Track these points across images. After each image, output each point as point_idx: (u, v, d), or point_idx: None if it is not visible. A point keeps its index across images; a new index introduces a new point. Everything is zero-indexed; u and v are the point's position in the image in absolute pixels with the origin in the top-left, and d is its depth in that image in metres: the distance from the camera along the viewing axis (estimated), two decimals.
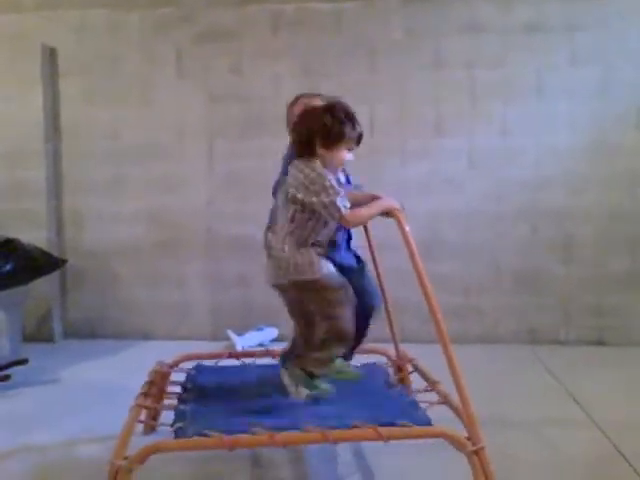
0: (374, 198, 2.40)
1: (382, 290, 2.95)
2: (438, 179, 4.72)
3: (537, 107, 4.62)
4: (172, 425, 2.25)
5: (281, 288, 2.45)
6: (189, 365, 3.07)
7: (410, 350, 3.07)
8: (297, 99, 2.91)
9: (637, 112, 4.56)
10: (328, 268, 2.37)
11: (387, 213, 2.37)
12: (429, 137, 4.71)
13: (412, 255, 2.26)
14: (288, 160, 2.64)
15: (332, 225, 2.39)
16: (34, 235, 4.57)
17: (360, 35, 4.70)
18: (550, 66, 4.59)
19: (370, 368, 2.99)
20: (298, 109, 2.72)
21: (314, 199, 2.27)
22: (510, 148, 4.65)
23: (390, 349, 3.12)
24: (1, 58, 4.81)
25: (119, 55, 4.85)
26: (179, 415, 2.39)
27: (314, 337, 2.41)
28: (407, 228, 2.30)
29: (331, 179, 2.28)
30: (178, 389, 2.80)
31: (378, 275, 2.95)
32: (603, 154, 4.59)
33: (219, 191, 4.87)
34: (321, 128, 2.31)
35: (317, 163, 2.31)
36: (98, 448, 2.80)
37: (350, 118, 2.34)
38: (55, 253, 4.62)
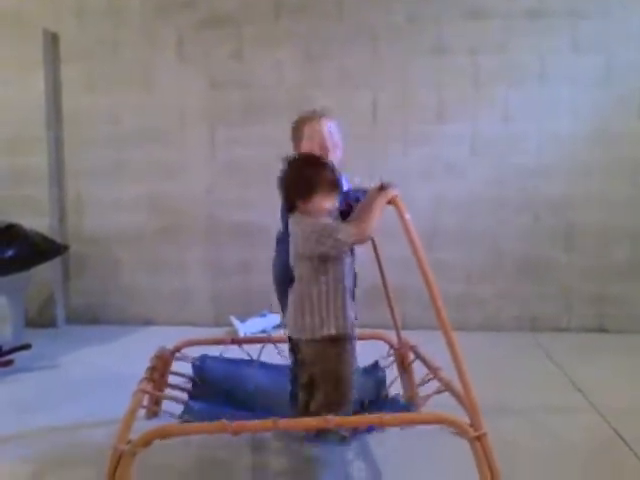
0: (370, 200, 2.37)
1: (383, 277, 2.95)
2: (440, 165, 4.71)
3: (540, 94, 4.60)
4: (180, 417, 2.27)
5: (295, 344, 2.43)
6: (191, 350, 3.06)
7: (411, 337, 3.07)
8: (299, 122, 2.82)
9: None
10: (339, 322, 2.32)
11: (388, 201, 2.36)
12: (431, 123, 4.69)
13: (412, 242, 2.25)
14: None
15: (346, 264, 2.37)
16: (36, 221, 4.58)
17: (362, 21, 4.67)
18: (553, 52, 4.56)
19: (367, 372, 2.98)
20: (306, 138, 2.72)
21: (319, 247, 2.24)
22: (512, 135, 4.64)
23: (391, 335, 3.13)
24: (3, 43, 4.78)
25: (120, 40, 4.83)
26: (187, 409, 2.41)
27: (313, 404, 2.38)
28: (407, 215, 2.30)
29: (322, 221, 2.26)
30: (180, 375, 2.82)
31: (379, 263, 2.95)
32: (605, 142, 4.57)
33: (220, 177, 4.86)
34: (292, 184, 2.32)
35: (306, 217, 2.29)
36: (100, 433, 2.81)
37: (315, 165, 2.33)
38: (57, 239, 4.63)
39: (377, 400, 2.74)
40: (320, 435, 2.25)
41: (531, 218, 4.69)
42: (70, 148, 4.95)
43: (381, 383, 2.93)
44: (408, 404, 2.60)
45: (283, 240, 2.57)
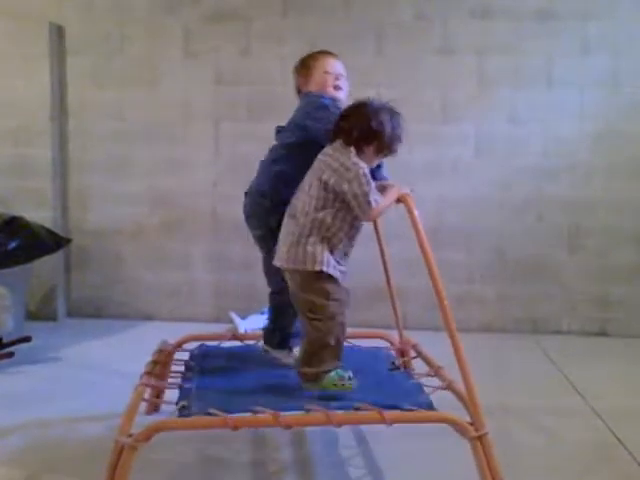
0: (384, 187, 2.40)
1: (387, 276, 2.95)
2: (444, 165, 4.70)
3: (546, 95, 4.59)
4: (177, 403, 2.26)
5: (287, 273, 2.43)
6: (193, 346, 3.07)
7: (413, 337, 3.07)
8: (314, 56, 2.80)
9: None
10: (335, 268, 2.33)
11: (398, 199, 2.37)
12: (436, 123, 4.68)
13: (421, 241, 2.25)
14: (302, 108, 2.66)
15: (357, 229, 2.37)
16: (39, 214, 4.57)
17: (369, 19, 4.66)
18: (560, 54, 4.55)
19: (373, 352, 3.00)
20: (320, 69, 2.70)
21: (345, 186, 2.25)
22: (518, 136, 4.63)
23: (393, 335, 3.13)
24: (9, 36, 4.77)
25: (126, 35, 4.82)
26: (183, 393, 2.40)
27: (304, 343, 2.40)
28: (416, 213, 2.30)
29: (366, 169, 2.27)
30: (182, 369, 2.81)
31: (384, 262, 2.95)
32: (611, 144, 4.56)
33: (225, 173, 4.86)
34: (361, 120, 2.32)
35: (353, 152, 2.30)
36: (100, 426, 2.81)
37: (393, 124, 2.39)
38: (60, 232, 4.62)
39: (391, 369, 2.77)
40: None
41: (535, 219, 4.68)
42: (74, 141, 4.94)
43: (389, 355, 2.98)
44: (416, 384, 2.55)
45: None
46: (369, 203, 2.24)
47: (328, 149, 2.37)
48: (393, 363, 2.87)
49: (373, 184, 2.29)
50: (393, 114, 2.42)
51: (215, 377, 2.62)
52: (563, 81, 4.57)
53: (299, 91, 2.81)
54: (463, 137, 4.67)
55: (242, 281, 4.84)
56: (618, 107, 4.55)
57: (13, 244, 4.00)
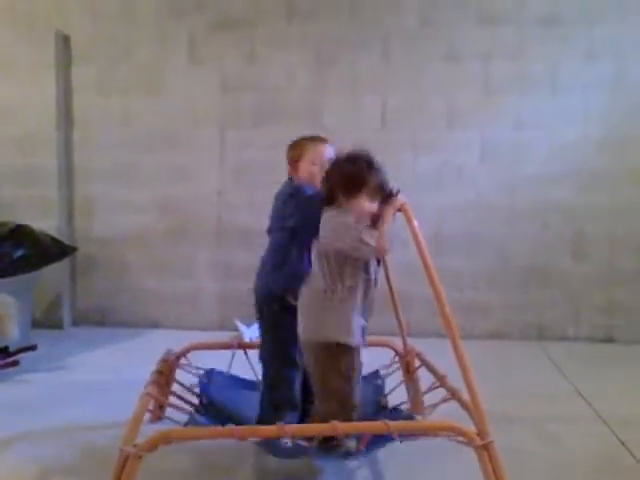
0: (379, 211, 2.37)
1: (389, 283, 2.94)
2: (449, 172, 4.70)
3: (551, 101, 4.59)
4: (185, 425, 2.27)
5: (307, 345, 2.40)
6: (197, 354, 3.07)
7: (417, 344, 3.06)
8: (301, 144, 2.71)
9: None
10: (354, 333, 2.31)
11: (398, 209, 2.36)
12: (441, 129, 4.68)
13: (420, 249, 2.25)
14: (280, 196, 2.65)
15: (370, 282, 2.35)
16: (45, 222, 4.60)
17: (374, 25, 4.67)
18: (565, 60, 4.55)
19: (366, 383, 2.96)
20: (309, 157, 2.64)
21: (339, 244, 2.24)
22: (523, 142, 4.62)
23: (397, 342, 3.12)
24: (15, 45, 4.81)
25: (132, 42, 4.84)
26: (192, 421, 2.42)
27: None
28: (415, 222, 2.30)
29: (348, 220, 2.25)
30: (185, 379, 2.82)
31: (386, 269, 2.94)
32: (616, 149, 4.55)
33: (230, 180, 4.87)
34: (342, 177, 2.30)
35: (337, 211, 2.29)
36: (105, 435, 2.82)
37: (372, 167, 2.32)
38: (65, 240, 4.64)
39: (377, 410, 2.73)
40: (326, 448, 2.23)
41: (540, 226, 4.67)
42: (80, 149, 4.96)
43: (378, 391, 2.92)
44: (410, 414, 2.58)
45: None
46: (366, 243, 2.22)
47: (324, 215, 2.34)
48: (379, 401, 2.85)
49: (365, 228, 2.26)
50: (350, 156, 2.36)
51: (220, 410, 2.64)
52: (568, 87, 4.56)
53: (290, 178, 2.75)
54: (468, 143, 4.67)
55: (247, 289, 4.83)
56: (623, 112, 4.54)
57: (19, 252, 4.02)
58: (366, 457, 2.64)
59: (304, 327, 2.36)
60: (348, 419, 2.24)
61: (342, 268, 2.28)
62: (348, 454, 2.27)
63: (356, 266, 2.29)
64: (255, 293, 2.74)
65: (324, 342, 2.29)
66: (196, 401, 2.72)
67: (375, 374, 3.03)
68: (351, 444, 2.23)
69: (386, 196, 2.36)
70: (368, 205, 2.30)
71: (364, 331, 2.37)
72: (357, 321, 2.32)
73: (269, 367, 2.64)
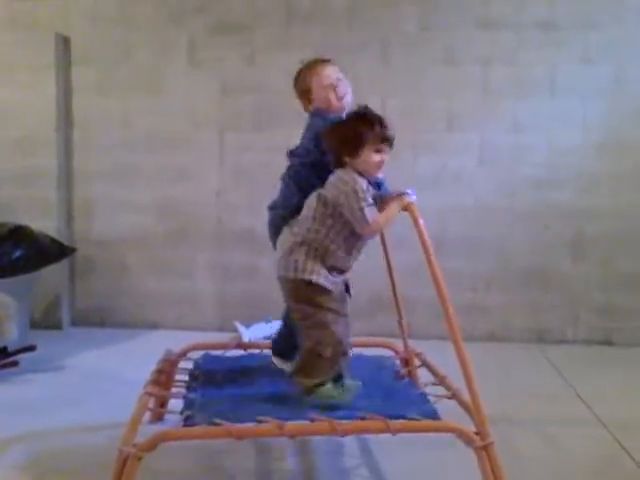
0: (386, 201, 2.39)
1: (392, 284, 2.95)
2: (448, 174, 4.70)
3: (549, 104, 4.59)
4: (181, 413, 2.26)
5: (281, 282, 2.43)
6: (197, 355, 3.07)
7: (418, 346, 3.07)
8: (307, 70, 2.75)
9: None
10: (327, 279, 2.33)
11: (404, 208, 2.37)
12: (440, 132, 4.69)
13: (426, 249, 2.25)
14: (287, 179, 2.68)
15: (354, 243, 2.37)
16: (44, 223, 4.59)
17: (373, 29, 4.68)
18: (563, 64, 4.56)
19: (378, 360, 2.99)
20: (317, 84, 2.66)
21: (342, 198, 2.26)
22: (521, 145, 4.63)
23: (398, 344, 3.12)
24: (15, 46, 4.80)
25: (132, 45, 4.84)
26: (188, 403, 2.40)
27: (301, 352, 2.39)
28: (421, 221, 2.30)
29: (363, 184, 2.27)
30: (186, 378, 2.81)
31: (390, 270, 2.95)
32: (615, 152, 4.56)
33: (230, 182, 4.87)
34: (339, 139, 2.33)
35: (351, 170, 2.31)
36: (104, 435, 2.80)
37: (367, 119, 2.33)
38: (65, 241, 4.64)
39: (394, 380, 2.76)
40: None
41: (539, 228, 4.68)
42: (79, 151, 4.97)
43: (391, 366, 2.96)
44: (421, 394, 2.56)
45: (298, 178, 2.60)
46: (365, 217, 2.24)
47: (334, 176, 2.37)
48: (397, 372, 2.87)
49: (370, 200, 2.29)
50: (344, 117, 2.43)
51: (219, 387, 2.62)
52: (566, 90, 4.57)
53: (305, 108, 2.78)
54: (467, 146, 4.68)
55: (246, 290, 4.85)
56: (621, 116, 4.55)
57: (18, 253, 4.01)
58: (364, 456, 2.65)
59: (281, 264, 2.38)
60: (335, 353, 2.30)
61: (335, 220, 2.30)
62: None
63: (346, 226, 2.31)
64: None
65: (300, 279, 2.30)
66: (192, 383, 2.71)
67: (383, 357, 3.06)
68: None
69: (399, 194, 2.37)
70: (375, 156, 2.31)
71: (347, 285, 2.41)
72: (334, 273, 2.34)
73: None
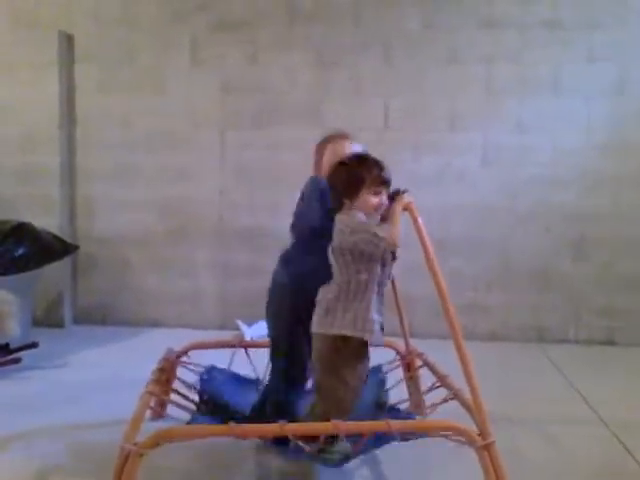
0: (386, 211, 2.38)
1: (392, 284, 2.94)
2: (451, 174, 4.70)
3: (553, 104, 4.59)
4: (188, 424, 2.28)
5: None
6: (198, 353, 3.07)
7: (418, 345, 3.06)
8: (326, 141, 2.75)
9: None
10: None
11: (403, 208, 2.37)
12: (443, 132, 4.69)
13: (426, 248, 2.25)
14: (305, 195, 2.64)
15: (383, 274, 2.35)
16: (46, 220, 4.60)
17: (376, 28, 4.68)
18: (567, 63, 4.56)
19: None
20: (328, 156, 2.66)
21: (354, 238, 2.24)
22: (525, 145, 4.63)
23: (399, 343, 3.12)
24: (19, 44, 4.81)
25: (135, 43, 4.85)
26: (193, 420, 2.42)
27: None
28: (420, 220, 2.30)
29: (361, 217, 2.27)
30: (186, 379, 2.82)
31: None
32: (618, 153, 4.56)
33: (231, 181, 4.87)
34: (339, 182, 2.33)
35: (347, 211, 2.31)
36: (106, 432, 2.80)
37: (366, 163, 2.33)
38: (67, 239, 4.64)
39: (376, 409, 2.73)
40: (322, 451, 2.22)
41: (541, 228, 4.67)
42: (82, 149, 4.97)
43: (380, 385, 2.92)
44: (409, 413, 2.59)
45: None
46: (377, 236, 2.22)
47: (336, 222, 2.35)
48: (379, 397, 2.85)
49: (376, 220, 2.30)
50: (343, 160, 2.40)
51: (220, 408, 2.63)
52: (570, 91, 4.57)
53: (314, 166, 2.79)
54: (470, 146, 4.67)
55: (247, 288, 4.84)
56: (625, 116, 4.55)
57: (20, 250, 4.02)
58: (365, 456, 2.65)
59: (318, 320, 2.35)
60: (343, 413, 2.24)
61: (358, 263, 2.28)
62: (344, 459, 2.25)
63: (371, 260, 2.29)
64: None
65: (337, 335, 2.28)
66: (197, 398, 2.72)
67: (378, 369, 3.02)
68: (345, 447, 2.23)
69: (393, 195, 2.37)
70: (373, 199, 2.31)
71: (381, 327, 2.35)
72: (374, 316, 2.30)
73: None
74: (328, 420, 2.12)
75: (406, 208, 2.35)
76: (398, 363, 3.10)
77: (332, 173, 2.40)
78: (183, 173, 4.91)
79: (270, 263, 2.73)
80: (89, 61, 4.90)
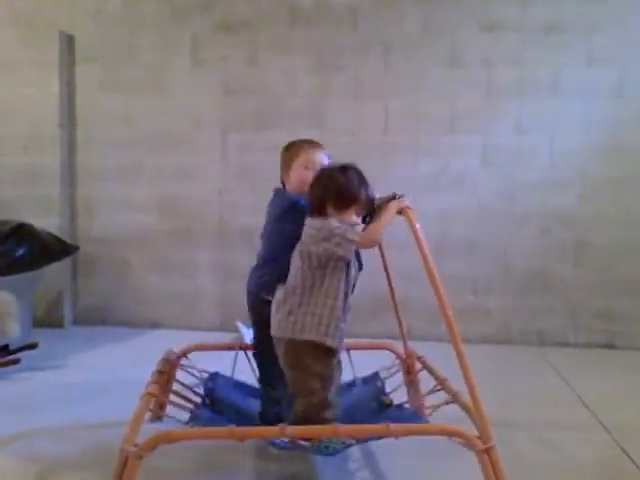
0: (381, 206, 2.37)
1: (390, 287, 2.94)
2: (450, 176, 4.70)
3: (553, 107, 4.60)
4: (186, 424, 2.27)
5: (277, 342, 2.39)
6: (198, 355, 3.06)
7: (417, 348, 3.06)
8: (295, 147, 2.67)
9: None
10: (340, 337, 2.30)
11: (399, 212, 2.36)
12: (443, 134, 4.69)
13: (423, 252, 2.24)
14: (272, 206, 2.67)
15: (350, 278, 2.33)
16: (47, 221, 4.61)
17: (376, 31, 4.69)
18: (567, 66, 4.56)
19: (361, 391, 2.95)
20: (299, 167, 2.60)
21: (325, 244, 2.23)
22: (524, 147, 4.63)
23: (398, 346, 3.12)
24: (19, 45, 4.82)
25: (136, 44, 4.86)
26: (194, 417, 2.42)
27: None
28: (417, 225, 2.29)
29: (335, 223, 2.24)
30: (186, 379, 2.82)
31: (387, 273, 2.94)
32: (618, 156, 4.56)
33: (232, 182, 4.88)
34: (335, 190, 2.29)
35: (326, 219, 2.28)
36: (106, 434, 2.81)
37: (364, 183, 2.32)
38: (67, 239, 4.64)
39: (380, 409, 2.73)
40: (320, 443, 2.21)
41: (540, 231, 4.68)
42: (83, 149, 4.98)
43: (379, 392, 2.92)
44: (415, 412, 2.59)
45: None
46: (351, 240, 2.20)
47: (307, 223, 2.33)
48: (383, 400, 2.85)
49: (345, 225, 2.25)
50: (344, 169, 2.36)
51: (224, 413, 2.62)
52: (570, 93, 4.57)
53: (282, 181, 2.74)
54: (470, 148, 4.68)
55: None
56: (625, 119, 4.55)
57: (20, 251, 4.01)
58: (366, 456, 2.65)
59: (279, 324, 2.34)
60: (324, 418, 2.25)
61: (324, 268, 2.27)
62: (344, 447, 2.24)
63: (337, 267, 2.28)
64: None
65: (299, 340, 2.27)
66: (198, 400, 2.72)
67: (375, 376, 3.02)
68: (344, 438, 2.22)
69: (391, 197, 2.36)
70: (355, 218, 2.30)
71: (343, 334, 2.34)
72: (337, 322, 2.29)
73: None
74: (311, 415, 2.13)
75: (401, 212, 2.34)
76: (397, 366, 3.09)
77: (328, 177, 2.34)
78: (184, 173, 4.92)
79: None
80: (90, 61, 4.91)
